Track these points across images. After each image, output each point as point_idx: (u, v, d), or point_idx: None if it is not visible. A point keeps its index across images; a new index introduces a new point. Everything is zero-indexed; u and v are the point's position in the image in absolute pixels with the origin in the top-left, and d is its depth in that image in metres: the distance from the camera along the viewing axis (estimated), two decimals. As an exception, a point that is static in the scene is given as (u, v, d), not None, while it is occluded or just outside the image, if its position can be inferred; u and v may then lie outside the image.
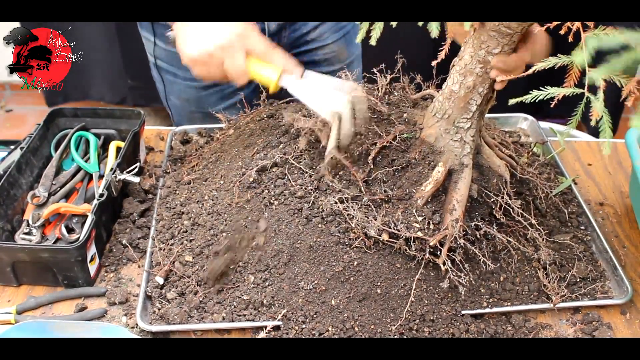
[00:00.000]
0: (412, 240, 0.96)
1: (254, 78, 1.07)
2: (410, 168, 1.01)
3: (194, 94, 1.46)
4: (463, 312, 0.99)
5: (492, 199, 1.02)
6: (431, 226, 0.96)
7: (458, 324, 0.98)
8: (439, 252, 0.95)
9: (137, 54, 2.56)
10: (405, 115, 1.08)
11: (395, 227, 0.96)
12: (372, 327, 0.96)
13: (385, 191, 1.00)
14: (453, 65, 0.97)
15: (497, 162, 1.06)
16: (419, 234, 0.95)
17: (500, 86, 0.94)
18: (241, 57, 1.04)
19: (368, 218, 0.97)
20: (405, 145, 1.03)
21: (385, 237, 0.96)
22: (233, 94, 1.42)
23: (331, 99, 1.03)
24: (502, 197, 1.02)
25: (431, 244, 0.94)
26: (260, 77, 1.06)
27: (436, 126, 1.00)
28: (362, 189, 1.01)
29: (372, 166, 1.03)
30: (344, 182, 1.03)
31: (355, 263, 0.99)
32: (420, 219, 0.97)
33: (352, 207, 0.98)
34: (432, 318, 0.97)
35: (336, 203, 0.99)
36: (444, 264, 0.94)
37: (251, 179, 1.08)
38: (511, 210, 1.02)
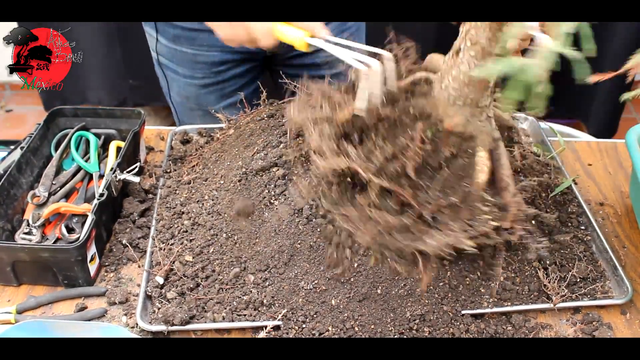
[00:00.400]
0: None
1: (280, 39, 1.04)
2: (450, 164, 0.96)
3: (194, 92, 1.47)
4: (463, 312, 0.99)
5: (513, 154, 1.01)
6: (498, 210, 0.94)
7: (458, 324, 0.98)
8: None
9: (137, 53, 2.56)
10: (412, 110, 0.99)
11: (474, 229, 0.92)
12: (372, 327, 0.96)
13: (438, 196, 0.94)
14: (458, 50, 0.94)
15: (505, 115, 1.04)
16: (494, 223, 0.92)
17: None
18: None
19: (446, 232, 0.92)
20: (432, 142, 0.96)
21: (472, 243, 0.91)
22: (233, 93, 1.42)
23: (361, 56, 0.98)
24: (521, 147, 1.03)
25: (507, 226, 0.92)
26: (287, 38, 1.04)
27: (460, 113, 0.95)
28: (416, 204, 0.93)
29: (414, 179, 0.94)
30: (386, 202, 0.95)
31: (356, 264, 0.99)
32: (487, 209, 0.93)
33: (425, 229, 0.91)
34: (432, 318, 0.97)
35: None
36: (520, 238, 0.95)
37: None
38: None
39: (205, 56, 1.40)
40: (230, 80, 1.44)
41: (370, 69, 0.94)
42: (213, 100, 1.46)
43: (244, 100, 1.30)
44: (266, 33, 1.03)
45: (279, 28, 1.03)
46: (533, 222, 1.09)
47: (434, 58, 1.11)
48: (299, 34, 1.01)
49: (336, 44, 1.01)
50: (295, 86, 1.20)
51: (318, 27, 1.02)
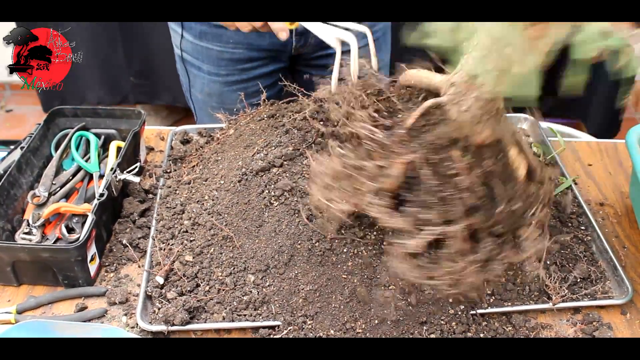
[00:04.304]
0: None
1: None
2: (493, 175, 0.94)
3: (217, 89, 1.46)
4: (463, 312, 0.99)
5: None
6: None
7: (458, 323, 0.98)
8: None
9: (139, 51, 2.56)
10: (439, 141, 0.93)
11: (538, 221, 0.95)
12: (372, 327, 0.96)
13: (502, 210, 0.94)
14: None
15: None
16: (545, 209, 0.96)
17: None
18: None
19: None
20: (473, 163, 0.93)
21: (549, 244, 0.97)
22: (256, 93, 1.41)
23: (338, 32, 1.03)
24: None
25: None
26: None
27: (487, 126, 0.92)
28: (488, 232, 0.94)
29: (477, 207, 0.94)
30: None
31: (353, 264, 0.98)
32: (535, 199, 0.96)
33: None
34: (432, 318, 0.97)
35: None
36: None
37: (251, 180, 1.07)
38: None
39: (231, 53, 1.39)
40: (255, 79, 1.43)
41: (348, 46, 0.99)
42: (236, 99, 1.45)
43: (244, 102, 1.29)
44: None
45: None
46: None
47: (412, 73, 1.09)
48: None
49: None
50: (299, 91, 1.20)
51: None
